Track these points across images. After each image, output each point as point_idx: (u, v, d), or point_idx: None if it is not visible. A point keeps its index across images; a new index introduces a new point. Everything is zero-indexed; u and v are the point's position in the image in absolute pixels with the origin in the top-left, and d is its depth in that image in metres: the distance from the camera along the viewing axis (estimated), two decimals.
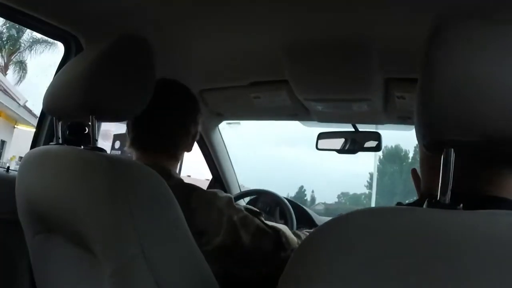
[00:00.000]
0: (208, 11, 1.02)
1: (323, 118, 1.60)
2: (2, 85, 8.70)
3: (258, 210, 1.04)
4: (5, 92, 8.48)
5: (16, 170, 1.01)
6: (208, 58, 1.32)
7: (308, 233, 1.12)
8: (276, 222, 1.73)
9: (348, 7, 0.93)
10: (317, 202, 17.91)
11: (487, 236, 0.41)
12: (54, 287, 0.85)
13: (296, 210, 1.77)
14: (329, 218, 0.51)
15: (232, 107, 1.71)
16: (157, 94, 0.84)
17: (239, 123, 2.16)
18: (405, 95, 1.31)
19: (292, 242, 1.03)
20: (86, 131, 0.97)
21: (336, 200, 18.62)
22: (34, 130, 1.24)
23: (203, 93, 1.58)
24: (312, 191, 18.64)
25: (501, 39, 0.44)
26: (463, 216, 0.44)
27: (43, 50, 13.61)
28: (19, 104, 8.67)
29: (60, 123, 0.91)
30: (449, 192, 0.45)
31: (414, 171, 0.68)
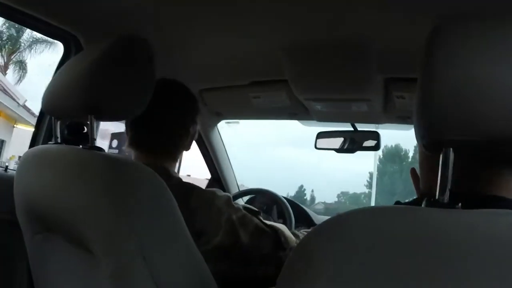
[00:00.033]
0: (207, 11, 1.01)
1: (322, 118, 1.61)
2: (2, 84, 8.69)
3: (256, 210, 1.05)
4: (5, 91, 8.47)
5: (15, 170, 1.01)
6: (208, 58, 1.32)
7: (306, 233, 1.13)
8: (274, 221, 1.73)
9: (348, 7, 0.93)
10: (316, 201, 17.94)
11: (487, 236, 0.41)
12: (53, 287, 0.85)
13: (294, 209, 1.77)
14: (327, 217, 0.51)
15: (231, 106, 1.71)
16: (157, 94, 0.84)
17: (238, 122, 2.16)
18: (405, 95, 1.31)
19: (291, 241, 1.03)
20: (85, 131, 0.97)
21: (336, 199, 18.65)
22: (33, 129, 1.25)
23: (202, 92, 1.58)
24: (312, 191, 18.67)
25: (501, 39, 0.44)
26: (462, 215, 0.44)
27: (43, 50, 13.62)
28: (19, 104, 8.66)
29: (58, 122, 0.91)
30: (447, 192, 0.45)
31: (413, 170, 0.69)
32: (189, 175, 6.22)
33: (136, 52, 0.79)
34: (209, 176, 2.10)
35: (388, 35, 1.03)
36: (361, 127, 1.66)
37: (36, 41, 13.50)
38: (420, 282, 0.40)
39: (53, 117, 0.92)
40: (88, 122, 0.78)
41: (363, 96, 1.35)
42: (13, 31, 13.49)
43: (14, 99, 8.60)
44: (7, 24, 12.91)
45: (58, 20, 1.10)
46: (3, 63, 13.92)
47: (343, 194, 19.19)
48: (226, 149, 2.03)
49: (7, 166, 1.12)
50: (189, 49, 1.26)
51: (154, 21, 1.09)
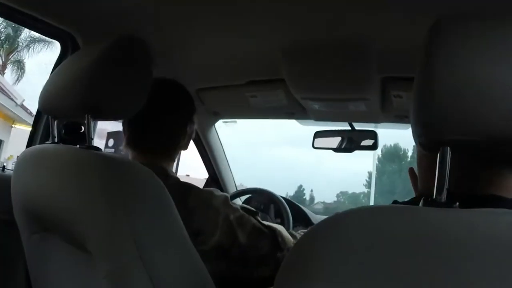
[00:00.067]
0: (205, 11, 1.01)
1: (320, 117, 1.61)
2: (0, 84, 8.68)
3: (254, 210, 1.05)
4: (2, 91, 8.45)
5: (12, 170, 1.01)
6: (205, 58, 1.32)
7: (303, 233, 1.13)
8: (272, 220, 1.73)
9: (347, 7, 0.93)
10: (316, 201, 17.96)
11: (487, 235, 0.41)
12: (50, 287, 0.85)
13: (292, 209, 1.77)
14: (325, 217, 0.51)
15: (229, 106, 1.71)
16: (154, 94, 0.84)
17: (235, 121, 2.16)
18: (402, 94, 1.31)
19: (288, 242, 1.03)
20: (82, 130, 0.97)
21: (335, 199, 18.67)
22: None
23: (199, 92, 1.58)
24: (311, 190, 18.70)
25: (501, 39, 0.44)
26: (461, 214, 0.44)
27: (41, 49, 13.60)
28: (16, 103, 8.64)
29: (56, 122, 0.91)
30: (445, 191, 0.45)
31: (411, 170, 0.69)
32: (188, 175, 6.21)
33: (133, 52, 0.79)
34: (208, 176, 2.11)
35: (387, 35, 1.03)
36: (359, 126, 1.67)
37: (34, 40, 13.48)
38: (420, 282, 0.40)
39: (50, 117, 0.92)
40: (85, 122, 0.78)
41: (361, 96, 1.35)
42: (11, 30, 13.46)
43: (12, 99, 8.59)
44: (4, 24, 12.89)
45: (56, 19, 1.10)
46: (1, 63, 13.90)
47: (342, 193, 19.23)
48: (224, 149, 2.03)
49: (4, 166, 1.12)
50: (187, 49, 1.26)
51: (151, 21, 1.09)
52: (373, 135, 1.61)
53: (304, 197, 17.89)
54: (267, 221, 1.74)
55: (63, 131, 0.96)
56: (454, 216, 0.43)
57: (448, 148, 0.45)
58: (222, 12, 1.01)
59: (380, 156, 16.59)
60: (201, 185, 2.09)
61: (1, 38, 13.72)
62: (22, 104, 8.90)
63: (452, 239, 0.41)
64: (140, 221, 0.67)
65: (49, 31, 1.17)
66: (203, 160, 2.01)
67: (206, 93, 1.59)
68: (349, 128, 1.66)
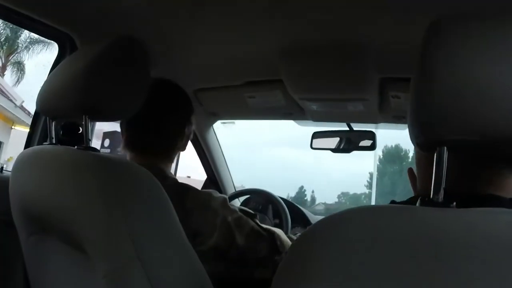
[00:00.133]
0: (204, 11, 1.01)
1: (318, 118, 1.61)
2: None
3: (253, 212, 1.04)
4: (2, 93, 8.45)
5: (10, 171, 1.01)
6: (203, 58, 1.32)
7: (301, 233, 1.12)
8: (270, 221, 1.73)
9: (345, 8, 0.93)
10: (317, 202, 17.96)
11: (486, 235, 0.41)
12: None
13: (291, 210, 1.77)
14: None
15: (227, 106, 1.71)
16: (152, 95, 0.84)
17: (233, 122, 2.16)
18: (400, 95, 1.31)
19: (287, 245, 1.02)
20: (80, 131, 0.97)
21: (336, 200, 18.65)
22: None
23: (197, 93, 1.58)
24: (312, 191, 18.68)
25: (501, 39, 0.44)
26: (459, 214, 0.44)
27: (40, 50, 13.60)
28: (16, 105, 8.64)
29: (53, 123, 0.91)
30: (442, 191, 0.45)
31: (410, 170, 0.68)
32: (189, 177, 6.20)
33: (130, 52, 0.79)
34: None
35: (385, 35, 1.03)
36: (358, 127, 1.67)
37: (33, 42, 13.48)
38: (420, 282, 0.40)
39: (48, 118, 0.92)
40: (83, 123, 0.78)
41: (359, 96, 1.35)
42: (12, 31, 13.46)
43: (11, 100, 8.59)
44: (3, 25, 12.89)
45: (54, 20, 1.10)
46: (1, 64, 13.90)
47: (344, 194, 19.22)
48: (225, 150, 2.03)
49: (2, 167, 1.12)
50: (184, 50, 1.26)
51: (149, 22, 1.09)
52: (371, 135, 1.61)
53: (305, 198, 17.91)
54: (266, 221, 1.75)
55: (61, 132, 0.96)
56: (452, 216, 0.43)
57: (445, 148, 0.45)
58: (220, 12, 1.01)
59: (381, 157, 16.59)
60: (201, 186, 2.09)
61: (1, 40, 13.72)
62: (22, 106, 8.90)
63: (451, 238, 0.41)
64: (138, 222, 0.67)
65: (47, 32, 1.17)
66: (202, 161, 2.01)
67: (204, 93, 1.59)
68: (347, 128, 1.66)
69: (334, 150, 1.68)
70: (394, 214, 0.45)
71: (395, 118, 1.52)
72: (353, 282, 0.41)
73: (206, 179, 2.07)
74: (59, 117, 0.91)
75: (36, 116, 1.21)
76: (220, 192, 2.01)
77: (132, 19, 1.07)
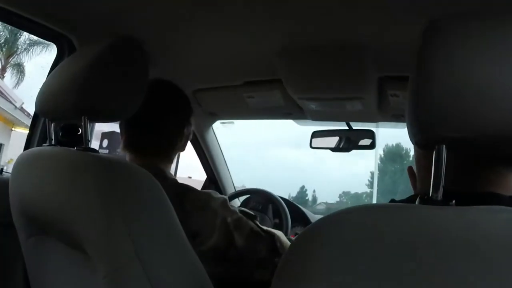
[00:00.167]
0: (202, 11, 1.01)
1: (317, 117, 1.61)
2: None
3: (253, 214, 1.04)
4: (1, 94, 8.45)
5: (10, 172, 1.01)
6: (202, 59, 1.32)
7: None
8: (270, 220, 1.73)
9: (344, 8, 0.93)
10: (318, 201, 17.98)
11: (485, 233, 0.41)
12: None
13: (291, 209, 1.77)
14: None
15: (226, 106, 1.71)
16: (151, 95, 0.84)
17: (233, 122, 2.16)
18: (399, 93, 1.31)
19: (287, 247, 1.02)
20: (79, 132, 0.97)
21: (338, 199, 18.68)
22: None
23: (196, 93, 1.58)
24: (314, 191, 18.71)
25: (501, 39, 0.44)
26: (458, 212, 0.44)
27: (40, 52, 13.60)
28: (16, 106, 8.64)
29: (53, 124, 0.91)
30: (441, 189, 0.45)
31: (410, 168, 0.69)
32: (190, 177, 6.20)
33: (129, 53, 0.79)
34: None
35: (385, 35, 1.02)
36: (357, 126, 1.67)
37: (33, 43, 13.49)
38: (420, 281, 0.40)
39: (47, 119, 0.92)
40: (82, 124, 0.78)
41: (358, 95, 1.35)
42: (11, 33, 13.47)
43: (10, 102, 8.58)
44: (2, 27, 12.90)
45: (52, 21, 1.10)
46: (0, 66, 13.90)
47: (345, 194, 19.25)
48: (222, 150, 2.03)
49: (2, 169, 1.12)
50: (182, 50, 1.26)
51: (147, 22, 1.09)
52: (370, 134, 1.61)
53: (307, 197, 17.93)
54: (266, 221, 1.75)
55: (60, 133, 0.96)
56: (452, 214, 0.43)
57: (444, 146, 0.45)
58: (219, 12, 1.01)
59: (382, 156, 16.61)
60: (201, 186, 2.09)
61: (0, 42, 13.73)
62: (22, 107, 8.90)
63: (451, 236, 0.41)
64: (138, 222, 0.67)
65: (45, 33, 1.17)
66: (201, 161, 2.01)
67: (203, 94, 1.59)
68: (347, 128, 1.66)
69: (333, 149, 1.68)
70: (393, 213, 0.45)
71: (394, 117, 1.52)
72: (353, 282, 0.41)
73: (206, 179, 2.07)
74: (58, 118, 0.91)
75: (36, 118, 1.21)
76: (220, 192, 2.02)
77: (130, 21, 1.07)
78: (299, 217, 1.86)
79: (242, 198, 2.00)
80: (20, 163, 0.88)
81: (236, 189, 2.11)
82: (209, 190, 1.00)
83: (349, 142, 1.65)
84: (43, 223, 0.81)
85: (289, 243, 1.05)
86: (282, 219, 1.72)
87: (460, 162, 0.55)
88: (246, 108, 1.61)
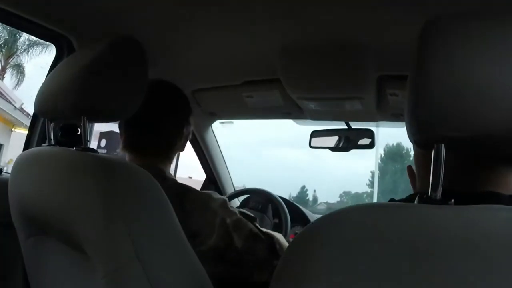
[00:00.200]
0: (202, 11, 1.01)
1: (316, 116, 1.61)
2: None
3: (253, 216, 1.04)
4: (1, 95, 8.45)
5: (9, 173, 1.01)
6: (202, 59, 1.32)
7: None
8: (270, 220, 1.73)
9: (344, 8, 0.93)
10: (319, 201, 17.98)
11: (485, 232, 0.41)
12: None
13: (290, 209, 1.77)
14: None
15: (225, 106, 1.71)
16: (150, 95, 0.84)
17: (232, 122, 2.16)
18: (398, 92, 1.31)
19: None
20: (79, 132, 0.97)
21: (338, 199, 18.69)
22: None
23: (195, 93, 1.58)
24: (314, 191, 18.73)
25: (501, 39, 0.44)
26: (457, 211, 0.44)
27: (39, 53, 13.60)
28: (15, 107, 8.64)
29: (52, 124, 0.91)
30: (440, 188, 0.45)
31: (409, 168, 0.69)
32: (190, 177, 6.20)
33: (128, 53, 0.79)
34: None
35: (385, 35, 1.03)
36: (358, 125, 1.67)
37: (32, 44, 13.49)
38: (420, 281, 0.40)
39: (46, 119, 0.92)
40: (81, 124, 0.78)
41: (357, 95, 1.35)
42: (10, 34, 13.47)
43: (10, 102, 8.59)
44: (2, 28, 12.89)
45: (51, 22, 1.10)
46: (0, 67, 13.90)
47: (346, 194, 19.26)
48: (222, 150, 2.03)
49: (1, 169, 1.12)
50: (182, 50, 1.26)
51: (146, 22, 1.09)
52: (370, 134, 1.61)
53: (307, 197, 17.94)
54: (265, 221, 1.74)
55: (60, 133, 0.96)
56: (451, 213, 0.43)
57: (442, 145, 0.45)
58: (219, 12, 1.01)
59: (383, 155, 16.62)
60: (201, 186, 2.09)
61: (0, 43, 13.73)
62: (21, 108, 8.90)
63: (450, 236, 0.41)
64: (137, 222, 0.67)
65: (44, 34, 1.17)
66: (201, 161, 2.01)
67: (202, 94, 1.58)
68: (346, 127, 1.66)
69: (332, 149, 1.68)
70: (393, 212, 0.45)
71: (393, 116, 1.52)
72: (353, 282, 0.41)
73: (205, 179, 2.08)
74: (57, 118, 0.91)
75: (35, 118, 1.21)
76: (220, 191, 2.02)
77: (129, 21, 1.07)
78: (298, 217, 1.86)
79: (241, 198, 2.00)
80: (20, 163, 0.88)
81: (236, 189, 2.11)
82: (209, 191, 1.01)
83: (348, 141, 1.65)
84: (43, 223, 0.81)
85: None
86: (282, 219, 1.72)
87: (460, 161, 0.55)
88: (245, 108, 1.61)
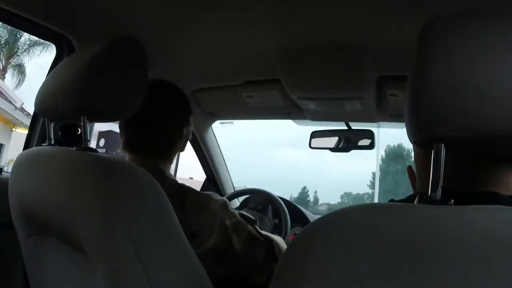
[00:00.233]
0: (202, 11, 1.01)
1: (316, 117, 1.61)
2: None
3: (253, 218, 1.04)
4: (1, 95, 8.46)
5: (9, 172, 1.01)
6: (202, 59, 1.32)
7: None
8: (270, 221, 1.73)
9: (344, 8, 0.93)
10: (320, 202, 18.00)
11: (485, 232, 0.41)
12: None
13: (290, 210, 1.77)
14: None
15: (225, 106, 1.71)
16: (151, 96, 0.84)
17: (232, 122, 2.16)
18: (398, 93, 1.31)
19: None
20: (79, 132, 0.97)
21: (339, 200, 18.72)
22: None
23: (195, 93, 1.58)
24: (315, 192, 18.75)
25: (501, 39, 0.44)
26: (457, 211, 0.44)
27: (40, 53, 13.61)
28: (16, 107, 8.65)
29: (52, 124, 0.91)
30: (440, 188, 0.45)
31: (410, 168, 0.68)
32: (191, 178, 6.21)
33: (128, 53, 0.79)
34: None
35: (384, 35, 1.03)
36: (357, 125, 1.67)
37: (33, 44, 13.50)
38: (420, 281, 0.39)
39: (46, 119, 0.92)
40: (81, 124, 0.78)
41: (356, 95, 1.35)
42: (11, 34, 13.48)
43: (10, 102, 8.59)
44: (2, 28, 12.90)
45: (51, 21, 1.10)
46: (1, 67, 13.91)
47: (347, 194, 19.29)
48: (222, 150, 2.03)
49: (1, 169, 1.12)
50: (182, 50, 1.26)
51: (146, 22, 1.09)
52: (370, 134, 1.61)
53: (308, 198, 17.96)
54: (265, 221, 1.74)
55: (60, 133, 0.95)
56: (450, 213, 0.43)
57: (442, 145, 0.45)
58: (219, 12, 1.01)
59: (384, 156, 16.62)
60: (201, 187, 2.09)
61: (1, 42, 13.73)
62: (22, 107, 8.90)
63: (450, 236, 0.41)
64: (137, 222, 0.67)
65: (45, 34, 1.17)
66: (200, 161, 2.01)
67: (202, 94, 1.58)
68: (346, 128, 1.66)
69: (333, 149, 1.68)
70: (393, 212, 0.45)
71: (393, 116, 1.52)
72: (353, 282, 0.41)
73: (206, 179, 2.07)
74: (57, 118, 0.91)
75: (35, 118, 1.21)
76: (220, 192, 2.02)
77: (129, 21, 1.07)
78: (298, 217, 1.86)
79: (241, 198, 2.00)
80: (20, 163, 0.88)
81: (236, 190, 2.11)
82: (210, 192, 1.00)
83: (348, 142, 1.65)
84: (43, 223, 0.81)
85: None
86: (282, 219, 1.72)
87: (460, 161, 0.55)
88: (245, 108, 1.61)
